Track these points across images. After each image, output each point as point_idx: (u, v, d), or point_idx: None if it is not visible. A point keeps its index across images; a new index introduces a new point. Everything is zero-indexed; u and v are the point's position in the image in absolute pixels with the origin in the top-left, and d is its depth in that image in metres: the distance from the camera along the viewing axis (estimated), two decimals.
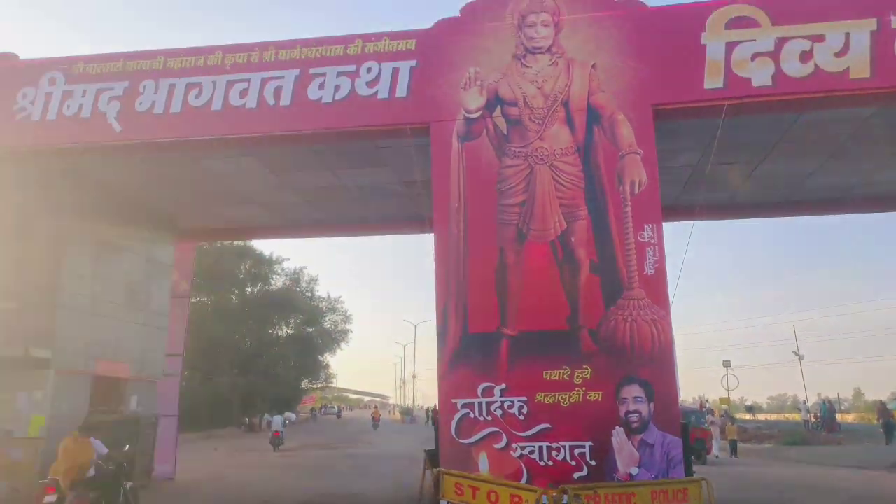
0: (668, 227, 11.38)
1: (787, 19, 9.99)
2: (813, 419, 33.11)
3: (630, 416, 9.24)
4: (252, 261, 40.69)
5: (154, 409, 15.50)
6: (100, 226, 13.91)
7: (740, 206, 15.44)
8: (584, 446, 9.23)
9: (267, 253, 42.40)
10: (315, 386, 55.36)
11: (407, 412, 71.36)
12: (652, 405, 9.24)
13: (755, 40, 9.97)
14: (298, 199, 15.11)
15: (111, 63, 11.71)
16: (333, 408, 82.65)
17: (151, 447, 15.09)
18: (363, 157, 12.52)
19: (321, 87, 10.97)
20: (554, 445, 9.30)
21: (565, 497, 7.44)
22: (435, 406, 17.38)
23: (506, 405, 9.54)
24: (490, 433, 9.52)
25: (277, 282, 43.31)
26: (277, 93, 11.07)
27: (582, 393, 9.36)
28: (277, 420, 26.76)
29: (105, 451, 9.60)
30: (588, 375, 9.39)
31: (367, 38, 11.09)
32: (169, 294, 16.63)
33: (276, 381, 41.00)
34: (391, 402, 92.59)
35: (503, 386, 9.59)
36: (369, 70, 10.91)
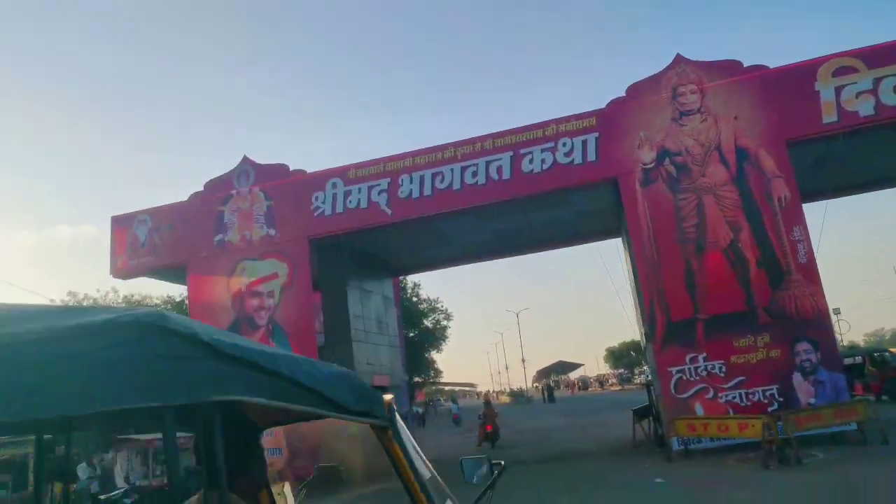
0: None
1: (879, 62, 13.52)
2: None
3: (804, 364, 13.10)
4: None
5: (405, 409, 20.48)
6: (359, 279, 18.89)
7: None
8: (772, 389, 13.18)
9: None
10: (423, 380, 59.99)
11: (519, 394, 74.09)
12: (818, 354, 13.07)
13: (857, 82, 13.56)
14: (490, 236, 19.59)
15: (375, 166, 16.54)
16: (440, 401, 77.85)
17: None
18: (552, 200, 16.77)
19: (531, 161, 15.35)
20: (750, 391, 13.29)
21: (780, 421, 11.38)
22: (648, 379, 21.28)
23: (709, 368, 13.61)
24: (700, 388, 13.62)
25: None
26: (499, 170, 15.54)
27: (765, 352, 13.30)
28: (454, 407, 31.96)
29: None
30: (768, 339, 13.32)
31: (558, 121, 15.39)
32: (396, 319, 21.58)
33: None
34: (478, 389, 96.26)
35: (704, 354, 13.66)
36: (564, 144, 15.19)
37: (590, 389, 73.65)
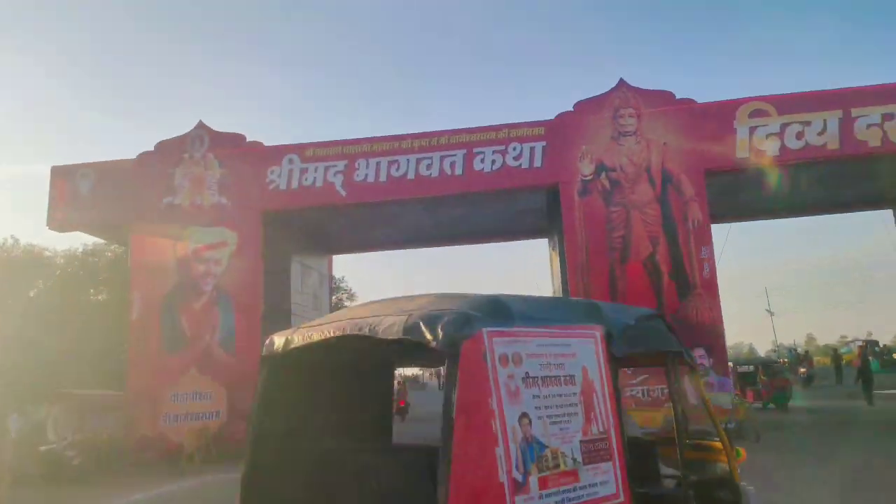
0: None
1: (787, 110, 15.72)
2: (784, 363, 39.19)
3: (698, 367, 15.17)
4: None
5: None
6: (300, 255, 19.50)
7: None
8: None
9: None
10: None
11: (413, 379, 74.12)
12: (711, 359, 15.18)
13: (768, 125, 15.70)
14: (432, 223, 20.71)
15: (332, 147, 17.21)
16: None
17: None
18: (495, 197, 18.10)
19: (482, 160, 16.58)
20: (651, 388, 15.21)
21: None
22: None
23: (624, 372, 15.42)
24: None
25: None
26: (452, 165, 16.67)
27: None
28: None
29: None
30: None
31: (511, 126, 16.68)
32: (328, 297, 22.31)
33: None
34: None
35: None
36: (514, 148, 16.52)
37: None
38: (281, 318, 17.82)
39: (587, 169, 16.23)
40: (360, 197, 16.98)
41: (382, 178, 16.88)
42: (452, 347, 2.47)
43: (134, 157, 17.80)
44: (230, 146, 17.60)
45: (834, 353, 34.41)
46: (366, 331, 2.93)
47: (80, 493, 11.69)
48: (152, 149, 17.77)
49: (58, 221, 17.66)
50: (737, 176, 16.44)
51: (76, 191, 17.64)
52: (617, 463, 2.81)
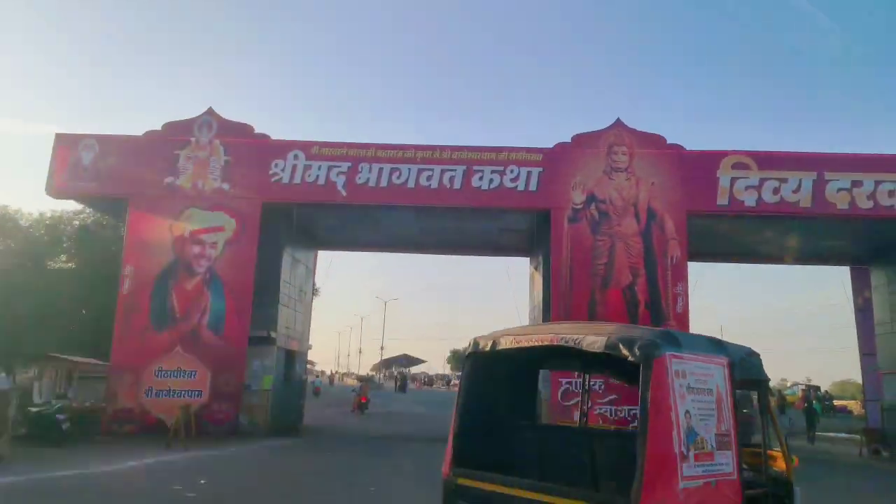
0: None
1: (767, 167, 16.97)
2: None
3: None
4: None
5: (304, 373, 21.79)
6: (292, 247, 19.96)
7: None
8: (636, 409, 16.13)
9: None
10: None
11: (369, 379, 75.40)
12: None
13: (748, 178, 16.92)
14: (419, 230, 21.42)
15: (338, 149, 17.82)
16: None
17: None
18: (487, 214, 18.92)
19: (481, 178, 17.40)
20: (618, 408, 16.20)
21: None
22: None
23: (592, 384, 16.35)
24: (580, 399, 16.33)
25: None
26: (452, 179, 17.45)
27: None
28: (317, 381, 33.24)
29: None
30: None
31: (511, 150, 17.57)
32: (311, 288, 22.78)
33: None
34: (318, 368, 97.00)
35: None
36: (512, 171, 17.39)
37: (434, 386, 76.44)
38: (270, 306, 18.32)
39: (579, 198, 17.20)
40: (360, 198, 17.62)
41: (384, 183, 17.55)
42: (647, 361, 3.64)
43: (140, 134, 18.10)
44: (237, 135, 18.05)
45: (779, 395, 36.27)
46: (571, 343, 4.07)
47: (73, 456, 11.98)
48: (159, 128, 18.09)
49: (56, 189, 17.80)
50: (715, 220, 17.62)
51: (78, 160, 17.82)
52: (733, 453, 3.95)
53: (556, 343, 4.24)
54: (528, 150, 17.60)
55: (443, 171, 17.51)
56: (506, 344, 4.60)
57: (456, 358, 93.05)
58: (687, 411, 3.69)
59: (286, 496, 9.39)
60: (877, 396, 22.07)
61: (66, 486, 9.12)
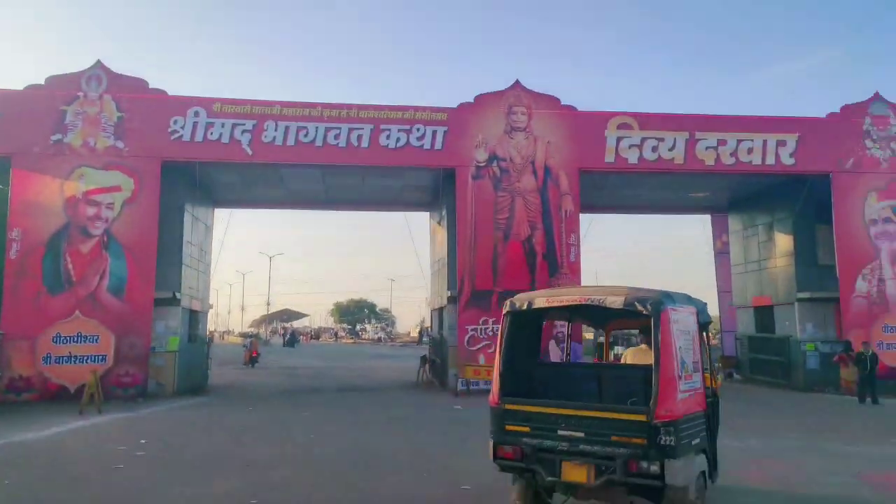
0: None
1: (647, 127, 18.71)
2: None
3: (558, 334, 17.86)
4: None
5: (206, 334, 21.61)
6: (192, 205, 19.50)
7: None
8: None
9: None
10: None
11: (255, 335, 73.79)
12: (569, 329, 17.88)
13: (631, 137, 18.59)
14: (323, 188, 21.56)
15: (241, 106, 17.49)
16: None
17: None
18: (393, 172, 19.45)
19: (388, 137, 17.84)
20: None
21: None
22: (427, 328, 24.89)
23: (495, 329, 17.69)
24: (485, 344, 17.67)
25: None
26: (359, 138, 17.75)
27: None
28: None
29: None
30: None
31: (416, 109, 18.09)
32: (211, 248, 22.35)
33: None
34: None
35: (493, 319, 17.70)
36: (418, 129, 17.96)
37: (321, 340, 76.34)
38: (173, 267, 17.96)
39: (482, 156, 18.14)
40: (267, 157, 17.53)
41: (291, 141, 17.53)
42: (657, 314, 5.01)
43: (20, 88, 16.77)
44: (130, 91, 17.19)
45: None
46: (597, 302, 5.42)
47: None
48: (42, 82, 16.84)
49: None
50: (603, 177, 19.27)
51: None
52: (701, 374, 5.50)
53: (584, 302, 5.61)
54: (433, 109, 18.21)
55: (350, 130, 17.75)
56: (540, 304, 5.77)
57: (339, 310, 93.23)
58: (679, 347, 5.11)
59: (241, 445, 9.76)
60: (731, 328, 25.41)
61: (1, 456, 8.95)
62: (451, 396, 16.90)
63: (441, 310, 21.10)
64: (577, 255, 18.26)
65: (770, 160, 18.90)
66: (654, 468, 4.76)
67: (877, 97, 19.63)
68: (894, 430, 11.92)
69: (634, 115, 18.85)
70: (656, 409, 4.80)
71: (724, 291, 26.10)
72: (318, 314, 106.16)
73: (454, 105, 18.38)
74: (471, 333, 17.72)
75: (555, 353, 17.72)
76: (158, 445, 9.67)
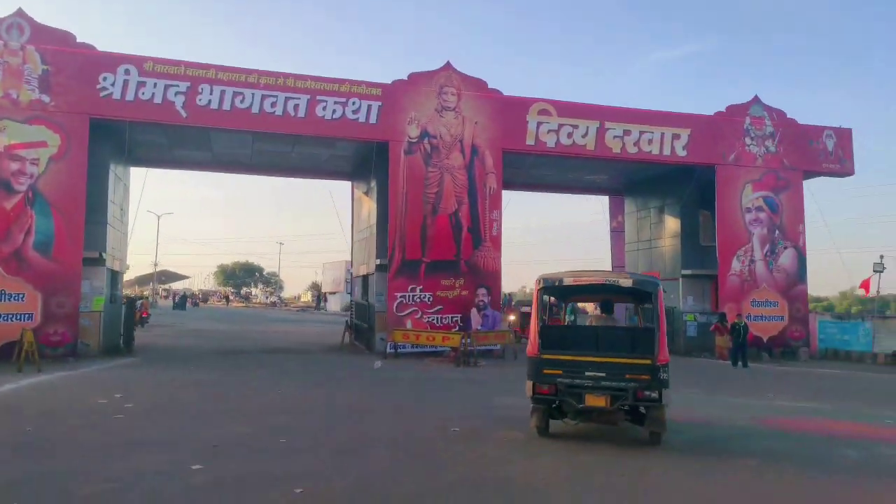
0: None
1: (564, 114, 20.45)
2: None
3: (479, 302, 19.44)
4: None
5: (122, 294, 21.28)
6: (115, 164, 19.10)
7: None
8: (457, 316, 19.22)
9: None
10: None
11: (139, 297, 69.91)
12: (490, 297, 19.55)
13: (549, 122, 20.26)
14: (250, 153, 21.68)
15: (175, 66, 17.33)
16: None
17: None
18: (325, 142, 19.99)
19: (324, 108, 18.38)
20: (444, 316, 19.10)
21: (469, 338, 17.24)
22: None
23: (422, 297, 18.98)
24: (412, 311, 18.93)
25: None
26: (296, 108, 18.16)
27: (459, 291, 19.25)
28: None
29: None
30: (462, 283, 19.29)
31: (352, 82, 18.69)
32: (128, 207, 21.89)
33: None
34: None
35: (421, 287, 18.98)
36: (354, 103, 18.63)
37: (209, 303, 73.85)
38: (99, 226, 17.72)
39: (414, 132, 19.13)
40: (201, 120, 17.56)
41: (226, 106, 17.64)
42: (655, 292, 7.78)
43: None
44: (56, 43, 16.56)
45: None
46: (613, 281, 7.93)
47: None
48: None
49: None
50: (524, 158, 20.88)
51: None
52: (665, 335, 7.59)
53: (603, 282, 8.02)
54: (369, 84, 18.90)
55: (287, 99, 18.10)
56: (568, 282, 7.96)
57: (224, 272, 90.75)
58: (664, 312, 7.73)
59: (224, 400, 10.33)
60: None
61: None
62: (379, 358, 18.00)
63: (366, 276, 22.06)
64: (500, 229, 19.82)
65: (666, 151, 21.29)
66: (654, 395, 7.15)
67: (756, 100, 22.53)
68: (767, 387, 14.40)
69: (553, 103, 20.51)
70: (659, 355, 7.23)
71: (617, 266, 28.86)
72: (199, 276, 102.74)
73: (389, 81, 19.17)
74: (399, 300, 18.88)
75: (475, 320, 19.33)
76: (140, 399, 10.10)
